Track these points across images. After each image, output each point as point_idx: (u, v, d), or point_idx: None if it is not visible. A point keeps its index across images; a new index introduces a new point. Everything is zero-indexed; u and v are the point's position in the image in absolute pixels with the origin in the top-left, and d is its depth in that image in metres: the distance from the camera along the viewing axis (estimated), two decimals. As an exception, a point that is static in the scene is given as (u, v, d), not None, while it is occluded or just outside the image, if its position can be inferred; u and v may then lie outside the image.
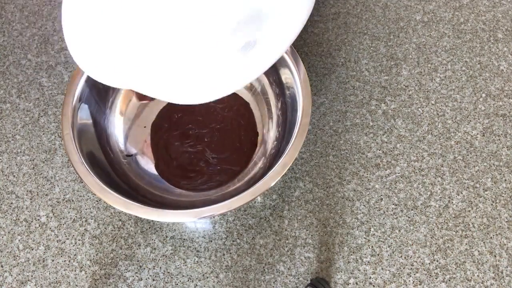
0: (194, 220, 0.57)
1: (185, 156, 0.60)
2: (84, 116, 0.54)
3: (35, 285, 0.55)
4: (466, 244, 0.57)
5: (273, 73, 0.59)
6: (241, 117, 0.62)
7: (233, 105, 0.63)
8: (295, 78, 0.54)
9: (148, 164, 0.59)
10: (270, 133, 0.60)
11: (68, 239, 0.57)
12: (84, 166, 0.48)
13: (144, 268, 0.55)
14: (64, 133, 0.51)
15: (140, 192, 0.54)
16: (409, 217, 0.58)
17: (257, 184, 0.46)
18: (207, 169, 0.59)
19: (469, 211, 0.59)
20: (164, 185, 0.58)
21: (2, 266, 0.56)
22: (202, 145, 0.61)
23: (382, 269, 0.55)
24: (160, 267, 0.55)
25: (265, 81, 0.62)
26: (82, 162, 0.48)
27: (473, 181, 0.61)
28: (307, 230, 0.57)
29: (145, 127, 0.62)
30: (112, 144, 0.58)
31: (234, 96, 0.64)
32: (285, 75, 0.56)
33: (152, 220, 0.58)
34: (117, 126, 0.60)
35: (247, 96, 0.64)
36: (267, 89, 0.62)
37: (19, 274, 0.56)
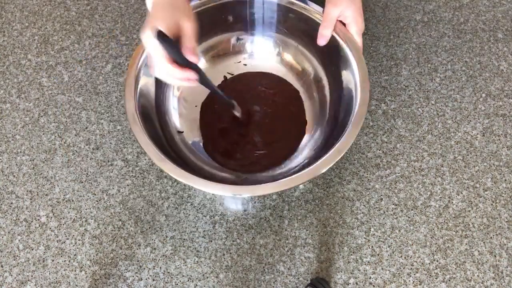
0: (244, 196, 0.58)
1: (233, 138, 0.60)
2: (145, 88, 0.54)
3: (35, 285, 0.55)
4: (466, 244, 0.57)
5: (331, 65, 0.59)
6: (291, 105, 0.62)
7: (284, 91, 0.63)
8: (353, 70, 0.53)
9: (198, 143, 0.59)
10: (318, 127, 0.60)
11: (68, 239, 0.57)
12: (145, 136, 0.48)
13: (144, 268, 0.55)
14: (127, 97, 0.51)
15: (190, 165, 0.55)
16: (409, 217, 0.58)
17: (308, 167, 0.46)
18: (253, 153, 0.59)
19: (469, 211, 0.59)
20: (212, 162, 0.58)
21: (2, 266, 0.56)
22: (251, 128, 0.60)
23: (382, 269, 0.55)
24: (160, 267, 0.55)
25: (321, 70, 0.62)
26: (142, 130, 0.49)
27: (473, 181, 0.61)
28: (307, 230, 0.57)
29: (196, 106, 0.62)
30: (168, 119, 0.59)
31: (285, 83, 0.64)
32: (344, 68, 0.56)
33: (152, 220, 0.58)
34: (171, 103, 0.60)
35: (297, 84, 0.64)
36: (321, 79, 0.62)
37: (19, 274, 0.56)
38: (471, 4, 0.77)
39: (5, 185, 0.61)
